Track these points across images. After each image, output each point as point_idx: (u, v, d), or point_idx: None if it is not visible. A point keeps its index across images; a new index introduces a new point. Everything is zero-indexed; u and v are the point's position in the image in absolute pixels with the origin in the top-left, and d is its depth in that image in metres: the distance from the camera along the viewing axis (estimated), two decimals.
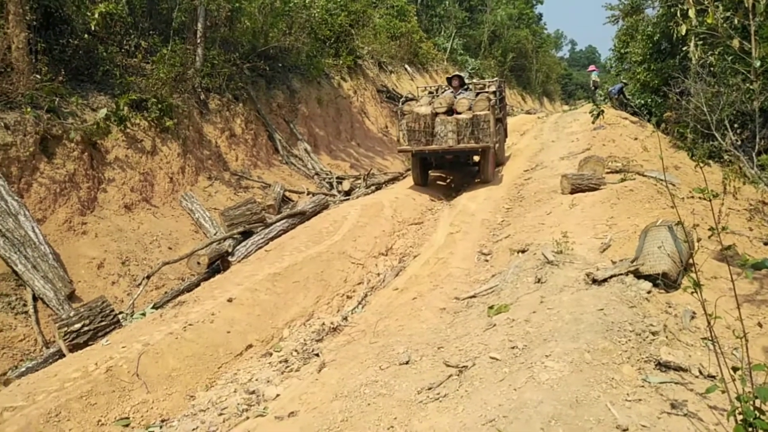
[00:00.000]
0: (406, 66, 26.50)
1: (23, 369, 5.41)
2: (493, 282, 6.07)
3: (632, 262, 4.96)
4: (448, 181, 12.71)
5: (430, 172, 12.10)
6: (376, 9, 24.69)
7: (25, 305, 6.29)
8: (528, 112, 34.13)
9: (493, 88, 12.70)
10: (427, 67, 29.15)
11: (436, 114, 10.67)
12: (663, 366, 3.61)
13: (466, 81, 12.67)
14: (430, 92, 12.83)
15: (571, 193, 8.40)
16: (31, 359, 5.70)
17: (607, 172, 9.15)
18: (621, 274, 4.85)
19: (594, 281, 4.89)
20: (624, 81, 17.94)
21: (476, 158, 11.54)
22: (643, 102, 16.42)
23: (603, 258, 5.67)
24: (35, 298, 6.37)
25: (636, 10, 16.91)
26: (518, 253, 6.60)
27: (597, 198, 7.81)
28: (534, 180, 10.55)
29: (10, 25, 7.93)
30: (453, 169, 12.56)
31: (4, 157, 7.25)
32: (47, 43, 8.67)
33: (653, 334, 3.90)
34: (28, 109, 7.74)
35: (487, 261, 7.19)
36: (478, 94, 11.57)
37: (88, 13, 9.82)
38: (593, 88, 22.42)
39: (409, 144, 10.81)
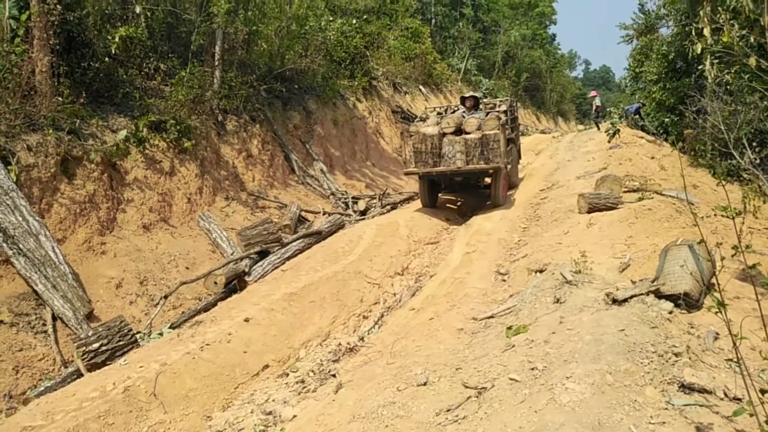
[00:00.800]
0: (421, 87, 26.68)
1: (42, 388, 5.44)
2: (511, 302, 6.01)
3: (653, 281, 4.89)
4: (459, 204, 12.43)
5: (440, 195, 11.80)
6: (391, 31, 24.97)
7: (44, 325, 6.34)
8: (543, 132, 34.20)
9: (504, 108, 12.42)
10: (441, 88, 29.33)
11: (444, 134, 10.30)
12: (687, 388, 3.54)
13: (485, 100, 12.69)
14: (440, 113, 12.49)
15: (589, 212, 8.34)
16: (49, 378, 5.73)
17: (625, 191, 9.09)
18: (641, 294, 4.78)
19: (614, 301, 4.83)
20: (642, 101, 17.92)
21: (487, 180, 11.14)
22: (659, 122, 16.37)
23: (622, 278, 5.60)
24: (54, 318, 6.42)
25: (650, 29, 16.96)
26: (536, 272, 6.54)
27: (615, 217, 7.75)
28: (550, 199, 10.50)
29: (35, 50, 8.12)
30: (464, 191, 12.29)
31: (26, 178, 7.37)
32: (69, 67, 8.85)
33: (676, 355, 3.83)
34: (50, 131, 7.89)
35: (504, 281, 7.13)
36: (488, 113, 11.26)
37: (109, 37, 10.05)
38: (595, 113, 22.45)
39: (416, 166, 10.43)
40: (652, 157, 12.71)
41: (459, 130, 10.41)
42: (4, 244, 6.55)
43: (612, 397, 3.41)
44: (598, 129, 20.73)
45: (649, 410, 3.30)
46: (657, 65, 16.12)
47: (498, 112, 11.71)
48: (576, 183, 11.33)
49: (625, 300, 4.77)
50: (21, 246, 6.60)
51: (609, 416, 3.22)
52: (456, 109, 11.96)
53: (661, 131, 16.19)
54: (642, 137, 15.72)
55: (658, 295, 4.74)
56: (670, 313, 4.53)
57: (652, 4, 17.62)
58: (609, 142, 14.67)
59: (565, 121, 58.78)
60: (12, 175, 7.06)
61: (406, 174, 12.75)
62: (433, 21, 36.09)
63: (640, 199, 8.38)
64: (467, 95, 12.16)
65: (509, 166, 11.52)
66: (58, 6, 8.15)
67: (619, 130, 14.50)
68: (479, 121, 10.36)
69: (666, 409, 3.34)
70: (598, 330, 4.33)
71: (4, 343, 5.88)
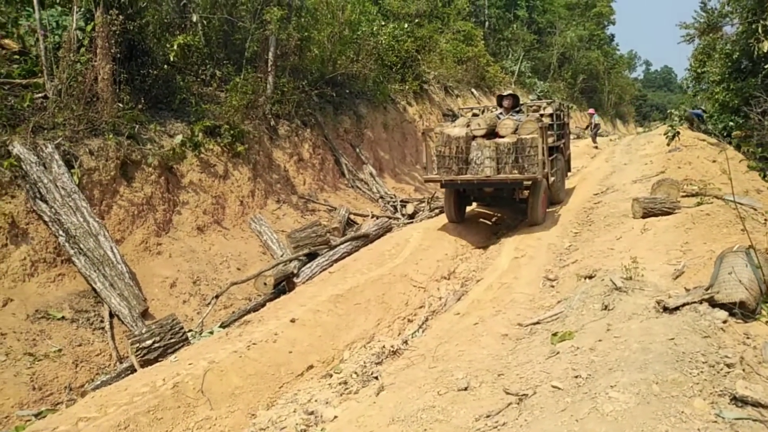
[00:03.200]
0: (473, 90, 26.49)
1: (98, 382, 5.68)
2: (558, 308, 5.89)
3: (707, 289, 4.69)
4: (494, 220, 11.01)
5: (469, 207, 10.50)
6: (443, 34, 24.91)
7: (102, 321, 6.63)
8: (600, 135, 33.37)
9: (549, 111, 10.91)
10: (494, 91, 29.02)
11: (474, 137, 8.89)
12: (739, 401, 3.38)
13: (528, 103, 11.31)
14: (475, 113, 11.08)
15: (643, 217, 8.09)
16: (105, 373, 5.99)
17: (683, 196, 8.76)
18: (694, 303, 4.59)
19: (665, 309, 4.66)
20: (702, 108, 17.29)
21: (525, 192, 9.46)
22: (723, 125, 15.71)
23: (676, 285, 5.40)
24: (111, 315, 6.71)
25: (713, 28, 16.29)
26: (585, 278, 6.38)
27: (671, 222, 7.48)
28: (604, 204, 10.22)
29: (98, 58, 8.52)
30: (498, 204, 10.77)
31: (87, 181, 7.73)
32: (129, 74, 9.24)
33: (728, 366, 3.67)
34: (111, 136, 8.25)
35: (552, 287, 6.99)
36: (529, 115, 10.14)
37: (168, 45, 10.46)
38: (593, 129, 24.20)
39: (438, 172, 9.03)
40: (714, 161, 12.19)
41: (492, 133, 9.15)
42: (67, 244, 6.89)
43: (657, 408, 3.29)
44: (594, 143, 23.12)
45: (697, 422, 3.17)
46: (720, 65, 15.49)
47: (542, 115, 10.57)
48: (631, 187, 11.00)
49: (677, 308, 4.60)
50: (82, 246, 6.93)
51: (653, 427, 3.11)
52: (494, 110, 10.71)
53: (724, 134, 15.53)
54: (704, 140, 15.11)
55: (712, 303, 4.54)
56: (725, 322, 4.34)
57: (715, 1, 16.97)
58: (668, 144, 14.18)
59: (623, 123, 57.14)
60: (75, 178, 7.43)
61: (427, 182, 10.97)
62: (487, 23, 35.78)
63: (699, 203, 8.06)
64: (505, 93, 10.64)
65: (552, 178, 9.99)
66: (119, 16, 8.54)
67: (678, 133, 13.97)
68: (516, 124, 9.04)
69: (715, 422, 3.20)
70: (647, 338, 4.19)
71: (65, 338, 6.18)
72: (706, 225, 6.97)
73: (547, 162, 9.12)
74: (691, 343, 3.99)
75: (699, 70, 18.61)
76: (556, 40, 41.72)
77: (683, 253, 6.28)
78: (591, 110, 26.13)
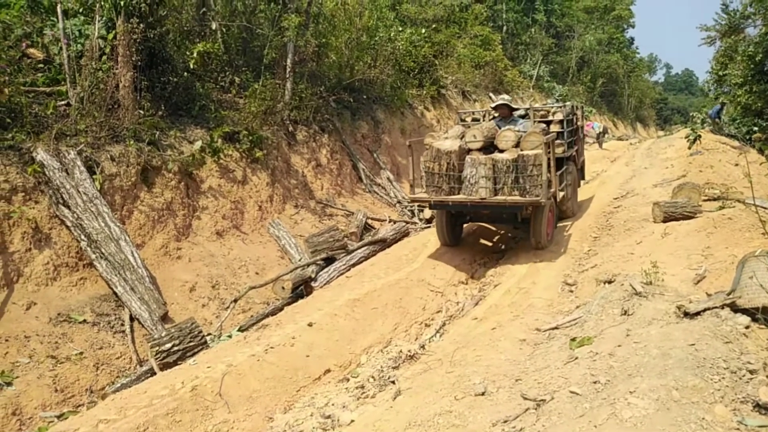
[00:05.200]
0: (491, 94, 26.41)
1: (119, 385, 5.75)
2: (577, 313, 5.84)
3: (728, 294, 4.62)
4: (496, 239, 9.99)
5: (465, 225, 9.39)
6: (460, 39, 24.91)
7: (122, 325, 6.72)
8: (620, 139, 33.05)
9: (559, 116, 9.44)
10: (513, 95, 28.91)
11: (469, 150, 7.80)
12: (762, 408, 3.31)
13: (536, 107, 10.00)
14: (476, 118, 10.04)
15: (664, 221, 8.00)
16: (126, 376, 6.05)
17: (704, 200, 8.66)
18: (715, 308, 4.51)
19: (686, 314, 4.59)
20: (723, 101, 17.04)
21: (530, 210, 8.09)
22: (747, 128, 15.48)
23: (697, 290, 5.33)
24: (132, 319, 6.79)
25: (735, 29, 16.07)
26: (605, 283, 6.33)
27: (692, 227, 7.39)
28: (624, 208, 10.12)
29: (119, 66, 8.66)
30: (499, 223, 9.83)
31: (109, 186, 7.85)
32: (150, 81, 9.38)
33: (751, 372, 3.60)
34: (131, 142, 8.38)
35: (571, 291, 6.94)
36: (538, 122, 8.95)
37: (188, 53, 10.60)
38: (596, 135, 24.30)
39: (426, 191, 8.05)
40: (736, 164, 12.02)
41: (491, 146, 8.00)
42: (88, 248, 7.00)
43: (677, 414, 3.24)
44: (601, 147, 23.38)
45: (718, 429, 3.12)
46: (743, 67, 15.27)
47: (551, 121, 9.30)
48: (652, 191, 10.89)
49: (698, 313, 4.53)
50: (103, 250, 7.03)
51: None
52: (492, 118, 9.44)
53: (747, 138, 15.30)
54: (725, 143, 14.90)
55: (734, 308, 4.46)
56: (747, 327, 4.26)
57: (737, 3, 16.73)
58: (689, 148, 14.00)
59: (644, 127, 56.55)
60: (96, 183, 7.55)
61: (413, 201, 9.73)
62: (505, 28, 35.70)
63: (721, 207, 7.95)
64: (495, 103, 9.22)
65: (561, 193, 8.92)
66: (140, 25, 8.68)
67: (700, 136, 13.79)
68: (518, 136, 7.83)
69: (737, 429, 3.14)
70: (667, 344, 4.14)
71: (87, 341, 6.27)
72: (728, 229, 6.87)
73: (554, 178, 8.06)
74: (713, 348, 3.92)
75: (720, 73, 18.38)
76: (575, 43, 41.50)
77: (704, 257, 6.20)
78: (588, 123, 25.60)
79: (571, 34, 42.57)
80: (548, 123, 9.27)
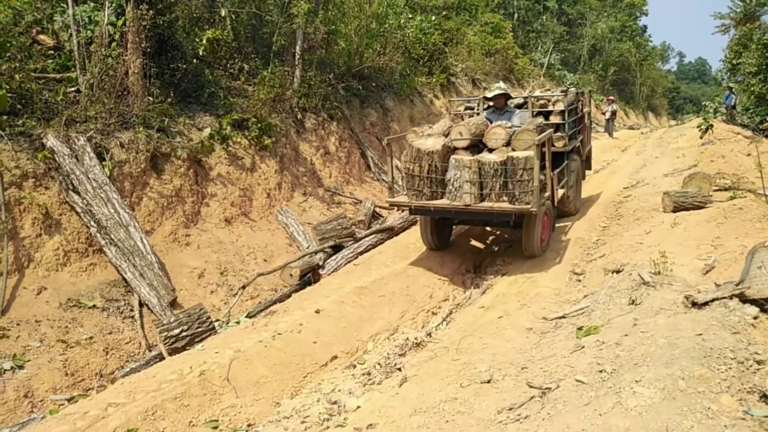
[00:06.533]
0: (501, 82, 26.24)
1: (128, 369, 5.82)
2: (584, 303, 5.83)
3: (737, 284, 4.59)
4: (490, 240, 9.39)
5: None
6: (470, 26, 24.71)
7: (132, 310, 6.78)
8: (631, 128, 32.84)
9: (560, 107, 8.54)
10: (523, 83, 28.72)
11: (454, 149, 7.02)
12: None
13: (535, 95, 9.15)
14: (469, 107, 9.28)
15: (674, 211, 7.95)
16: (135, 360, 6.12)
17: (715, 190, 8.59)
18: (724, 298, 4.49)
19: (694, 304, 4.57)
20: (729, 85, 16.86)
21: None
22: (761, 118, 15.30)
23: (706, 280, 5.30)
24: (141, 304, 6.86)
25: (750, 17, 15.84)
26: (613, 273, 6.30)
27: (702, 217, 7.33)
28: (634, 197, 10.06)
29: (128, 53, 8.67)
30: (490, 226, 9.20)
31: (118, 173, 7.90)
32: (159, 68, 9.38)
33: (758, 363, 3.58)
34: (141, 129, 8.41)
35: (579, 281, 6.92)
36: (537, 114, 8.30)
37: (197, 40, 10.59)
38: (610, 120, 23.95)
39: (406, 194, 7.32)
40: (748, 155, 11.90)
41: (481, 143, 7.21)
42: (98, 235, 7.06)
43: (683, 404, 3.24)
44: (612, 136, 23.01)
45: (723, 419, 3.11)
46: (757, 56, 15.05)
47: (551, 111, 8.52)
48: (662, 181, 10.82)
49: (706, 303, 4.51)
50: (113, 236, 7.08)
51: (678, 423, 3.06)
52: (485, 109, 8.59)
53: (760, 128, 15.12)
54: (738, 133, 14.75)
55: (743, 299, 4.44)
56: (755, 318, 4.23)
57: None
58: (701, 138, 13.88)
59: (656, 116, 56.03)
60: (106, 170, 7.59)
61: (391, 206, 8.77)
62: (516, 15, 35.39)
63: (732, 198, 7.88)
64: (490, 95, 8.24)
65: (561, 191, 8.26)
66: (150, 11, 8.67)
67: (711, 126, 13.64)
68: (509, 133, 6.99)
69: (743, 419, 3.13)
70: (674, 333, 4.13)
71: (96, 327, 6.34)
72: (739, 219, 6.82)
73: (551, 179, 7.42)
74: (720, 338, 3.91)
75: (734, 62, 18.14)
76: (587, 31, 41.08)
77: (714, 248, 6.16)
78: (609, 98, 25.35)
79: (583, 21, 42.15)
80: (548, 113, 8.65)
